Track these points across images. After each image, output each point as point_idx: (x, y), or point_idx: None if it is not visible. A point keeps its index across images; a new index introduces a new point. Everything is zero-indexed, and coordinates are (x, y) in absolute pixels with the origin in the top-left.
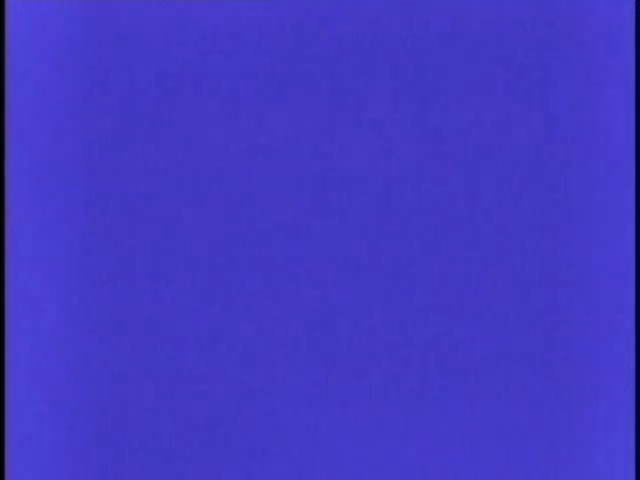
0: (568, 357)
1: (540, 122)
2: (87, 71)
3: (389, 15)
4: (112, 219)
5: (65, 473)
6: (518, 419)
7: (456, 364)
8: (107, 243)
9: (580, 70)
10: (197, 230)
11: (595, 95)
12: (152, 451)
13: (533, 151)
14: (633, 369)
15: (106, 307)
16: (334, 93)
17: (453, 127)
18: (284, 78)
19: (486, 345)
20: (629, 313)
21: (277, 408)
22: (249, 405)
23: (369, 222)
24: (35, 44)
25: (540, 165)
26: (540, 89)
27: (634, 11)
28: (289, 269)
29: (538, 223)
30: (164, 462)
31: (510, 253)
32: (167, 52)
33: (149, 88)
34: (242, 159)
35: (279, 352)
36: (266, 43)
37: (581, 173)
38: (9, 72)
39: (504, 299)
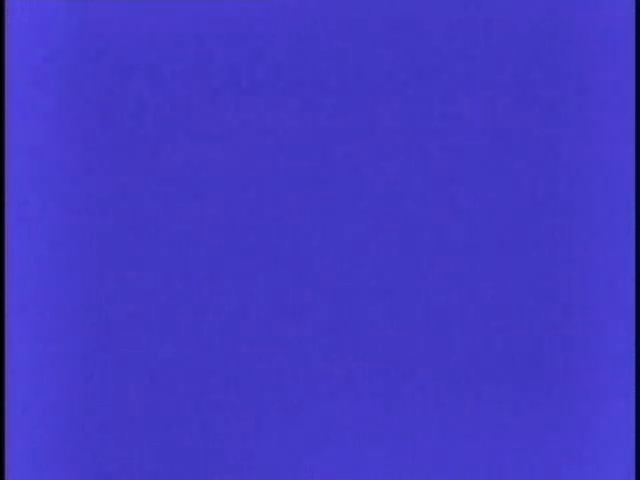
0: (568, 357)
1: (540, 122)
2: (87, 71)
3: (390, 14)
4: (112, 219)
5: (65, 473)
6: (518, 419)
7: (455, 364)
8: (107, 243)
9: (580, 69)
10: (199, 230)
11: (595, 95)
12: (152, 451)
13: (532, 151)
14: (633, 369)
15: (106, 307)
16: (335, 93)
17: (453, 127)
18: (284, 78)
19: (486, 345)
20: (629, 313)
21: (277, 408)
22: (250, 406)
23: (369, 222)
24: (35, 44)
25: (540, 165)
26: (539, 89)
27: (634, 11)
28: (290, 269)
29: (538, 223)
30: (165, 462)
31: (510, 253)
32: (168, 52)
33: (149, 88)
34: (243, 159)
35: (280, 353)
36: (266, 42)
37: (581, 173)
38: (9, 72)
39: (504, 299)
